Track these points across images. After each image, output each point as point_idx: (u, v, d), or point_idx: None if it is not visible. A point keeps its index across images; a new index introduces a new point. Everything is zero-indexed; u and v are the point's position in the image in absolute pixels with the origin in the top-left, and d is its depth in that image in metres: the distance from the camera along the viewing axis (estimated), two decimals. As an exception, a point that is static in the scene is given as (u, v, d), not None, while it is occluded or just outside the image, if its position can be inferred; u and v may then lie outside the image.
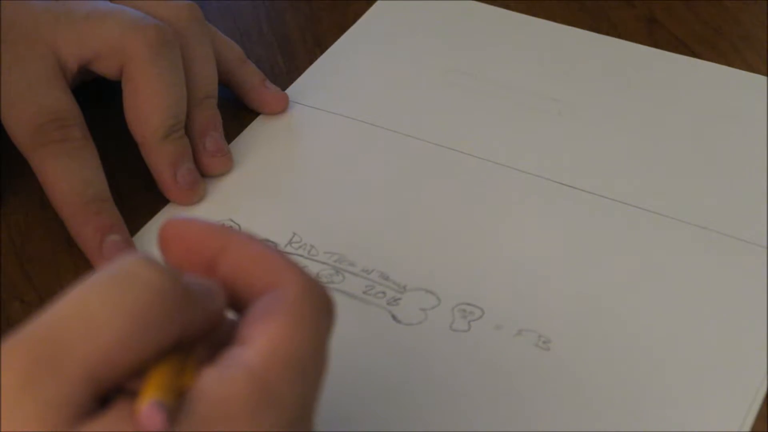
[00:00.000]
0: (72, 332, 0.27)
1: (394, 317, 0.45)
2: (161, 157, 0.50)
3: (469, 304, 0.46)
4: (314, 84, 0.58)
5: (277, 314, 0.31)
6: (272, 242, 0.49)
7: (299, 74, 0.59)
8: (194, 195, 0.51)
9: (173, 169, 0.50)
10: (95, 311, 0.27)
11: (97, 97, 0.54)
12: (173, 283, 0.29)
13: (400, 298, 0.46)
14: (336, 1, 0.64)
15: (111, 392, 0.28)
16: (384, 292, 0.46)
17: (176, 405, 0.27)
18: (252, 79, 0.56)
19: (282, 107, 0.56)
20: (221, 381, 0.29)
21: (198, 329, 0.30)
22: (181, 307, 0.29)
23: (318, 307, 0.32)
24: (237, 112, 0.56)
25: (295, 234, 0.49)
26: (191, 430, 0.27)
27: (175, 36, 0.50)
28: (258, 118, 0.56)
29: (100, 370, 0.27)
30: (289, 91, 0.57)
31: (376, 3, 0.63)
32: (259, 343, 0.30)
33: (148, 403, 0.27)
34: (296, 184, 0.52)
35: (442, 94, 0.57)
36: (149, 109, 0.49)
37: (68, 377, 0.26)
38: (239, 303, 0.33)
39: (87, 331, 0.27)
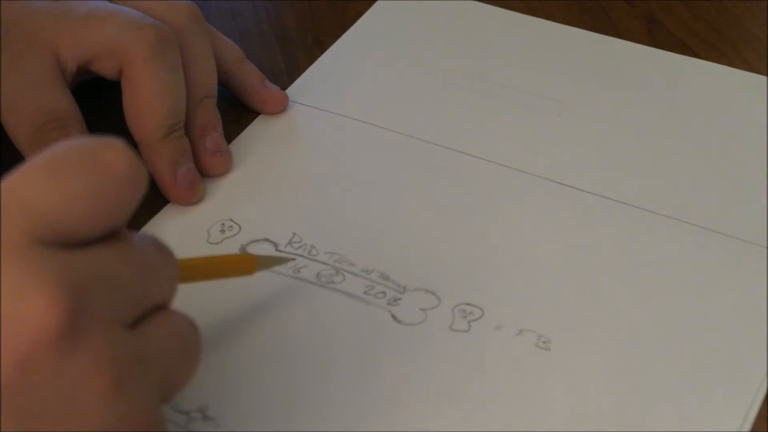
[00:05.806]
0: (13, 184, 0.31)
1: (394, 317, 0.45)
2: (161, 157, 0.50)
3: (469, 304, 0.46)
4: (314, 84, 0.58)
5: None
6: (272, 241, 0.49)
7: (299, 74, 0.59)
8: (194, 195, 0.51)
9: (173, 169, 0.50)
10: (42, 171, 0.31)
11: (97, 97, 0.54)
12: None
13: (400, 298, 0.46)
14: (336, 1, 0.64)
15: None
16: (384, 292, 0.46)
17: None
18: (252, 79, 0.56)
19: (282, 107, 0.56)
20: None
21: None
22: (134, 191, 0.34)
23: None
24: (237, 112, 0.56)
25: (295, 234, 0.49)
26: None
27: (174, 36, 0.50)
28: (258, 118, 0.56)
29: (39, 221, 0.31)
30: (289, 91, 0.57)
31: (376, 3, 0.63)
32: None
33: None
34: (296, 183, 0.52)
35: (442, 93, 0.57)
36: (148, 109, 0.49)
37: (10, 219, 0.30)
38: None
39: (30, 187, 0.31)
